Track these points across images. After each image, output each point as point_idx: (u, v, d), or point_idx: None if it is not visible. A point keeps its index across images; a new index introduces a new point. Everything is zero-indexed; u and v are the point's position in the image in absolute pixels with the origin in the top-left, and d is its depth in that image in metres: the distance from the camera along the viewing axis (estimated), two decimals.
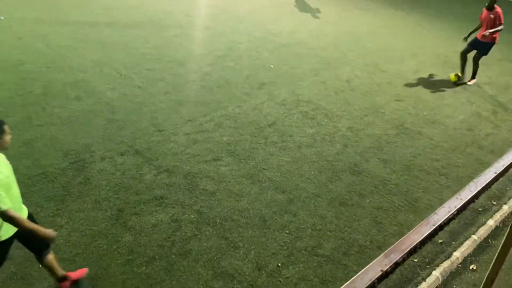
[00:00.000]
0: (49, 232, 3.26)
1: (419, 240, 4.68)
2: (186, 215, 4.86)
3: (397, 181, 5.77)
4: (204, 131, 6.49)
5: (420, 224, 4.93)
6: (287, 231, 4.78)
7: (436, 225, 4.90)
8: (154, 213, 4.83)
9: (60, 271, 3.74)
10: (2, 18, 9.70)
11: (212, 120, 6.77)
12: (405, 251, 4.52)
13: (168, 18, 11.06)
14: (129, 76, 7.84)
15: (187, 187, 5.31)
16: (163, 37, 9.82)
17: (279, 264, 4.36)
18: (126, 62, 8.39)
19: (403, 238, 4.72)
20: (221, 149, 6.09)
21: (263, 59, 9.18)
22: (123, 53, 8.75)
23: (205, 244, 4.51)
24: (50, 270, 3.70)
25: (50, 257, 3.66)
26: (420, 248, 4.74)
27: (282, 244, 4.61)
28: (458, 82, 8.67)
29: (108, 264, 4.12)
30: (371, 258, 4.51)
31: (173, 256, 4.34)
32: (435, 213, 5.09)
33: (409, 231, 4.85)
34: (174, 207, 4.97)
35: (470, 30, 8.60)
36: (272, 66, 8.89)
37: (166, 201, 5.04)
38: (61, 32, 9.43)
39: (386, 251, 4.52)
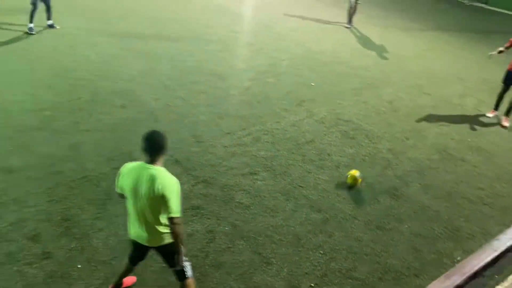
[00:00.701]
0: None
1: (481, 265, 4.61)
2: (221, 227, 4.88)
3: (437, 208, 5.59)
4: (242, 144, 6.54)
5: (481, 248, 4.83)
6: (322, 251, 4.71)
7: (499, 251, 4.81)
8: (190, 223, 4.88)
9: None
10: (58, 27, 10.21)
11: (250, 134, 6.82)
12: (466, 275, 4.43)
13: (212, 33, 11.31)
14: (173, 88, 8.04)
15: (223, 199, 5.35)
16: (206, 51, 10.03)
17: (312, 285, 4.30)
18: (170, 74, 8.62)
19: (463, 261, 4.67)
20: (258, 164, 6.11)
21: (304, 77, 9.21)
22: (168, 65, 9.00)
23: (238, 257, 4.51)
24: None
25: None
26: (480, 273, 4.62)
27: (316, 264, 4.54)
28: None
29: (143, 271, 4.18)
30: (407, 285, 4.37)
31: (206, 267, 4.37)
32: (497, 239, 4.99)
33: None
34: (209, 218, 5.01)
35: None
36: (313, 84, 8.89)
37: (202, 211, 5.09)
38: (110, 42, 9.82)
39: (447, 272, 4.43)
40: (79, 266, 4.18)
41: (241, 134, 6.81)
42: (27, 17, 9.62)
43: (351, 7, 12.53)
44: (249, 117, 7.33)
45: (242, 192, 5.51)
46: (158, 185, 3.23)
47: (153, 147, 3.29)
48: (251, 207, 5.25)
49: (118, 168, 5.64)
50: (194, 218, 4.97)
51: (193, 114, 7.26)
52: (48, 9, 9.96)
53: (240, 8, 14.10)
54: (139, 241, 3.54)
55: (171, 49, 9.87)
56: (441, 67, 10.68)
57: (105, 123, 6.67)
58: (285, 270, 4.42)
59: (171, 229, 3.34)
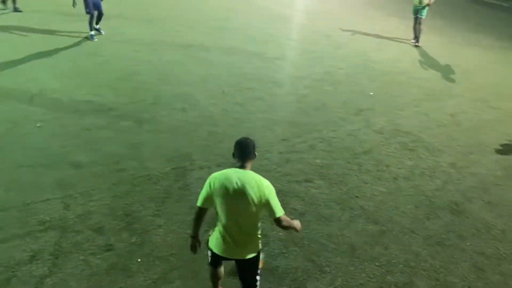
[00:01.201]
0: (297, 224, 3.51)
1: None
2: (274, 232, 4.89)
3: (503, 227, 5.28)
4: (297, 151, 6.54)
5: None
6: (377, 264, 4.59)
7: None
8: None
9: None
10: (103, 33, 10.67)
11: (305, 142, 6.80)
12: None
13: (270, 41, 11.43)
14: (231, 93, 8.20)
15: None
16: (265, 58, 10.15)
17: None
18: (229, 80, 8.80)
19: None
20: (313, 171, 6.08)
21: (362, 86, 9.07)
22: (227, 72, 9.19)
23: (291, 263, 4.50)
24: None
25: None
26: None
27: (372, 276, 4.43)
28: None
29: (200, 268, 4.27)
30: None
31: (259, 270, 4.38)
32: None
33: None
34: (263, 222, 5.02)
35: None
36: (371, 93, 8.74)
37: None
38: (172, 48, 10.20)
39: None
40: (139, 260, 4.34)
41: (296, 141, 6.81)
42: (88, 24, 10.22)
43: (419, 23, 11.89)
44: (305, 125, 7.32)
45: (297, 198, 5.50)
46: (265, 189, 3.23)
47: (246, 152, 3.30)
48: (305, 214, 5.22)
49: (177, 168, 5.90)
50: None
51: (250, 119, 7.36)
52: (100, 16, 10.44)
53: (299, 17, 14.16)
54: (226, 255, 3.44)
55: (230, 56, 10.07)
56: (509, 80, 10.13)
57: (166, 125, 6.92)
58: (339, 279, 4.35)
59: (282, 227, 3.41)
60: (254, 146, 3.38)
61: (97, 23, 10.56)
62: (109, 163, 5.83)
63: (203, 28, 11.95)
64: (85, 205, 5.03)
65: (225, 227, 3.31)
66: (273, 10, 14.35)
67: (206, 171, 5.83)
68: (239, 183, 3.19)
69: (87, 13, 10.05)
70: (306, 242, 4.79)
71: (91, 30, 10.24)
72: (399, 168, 6.28)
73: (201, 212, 3.37)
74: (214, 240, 3.45)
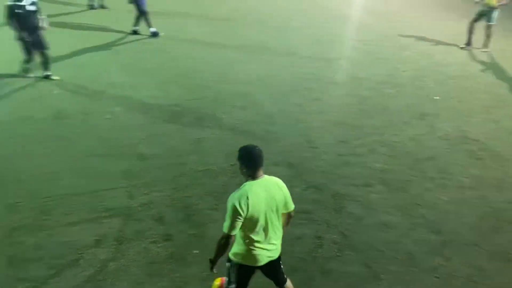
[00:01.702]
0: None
1: None
2: (329, 234, 4.85)
3: None
4: (356, 154, 6.42)
5: None
6: (437, 275, 4.40)
7: None
8: (300, 226, 4.92)
9: None
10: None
11: (365, 145, 6.66)
12: None
13: (331, 41, 11.29)
14: (289, 93, 8.20)
15: (334, 207, 5.30)
16: (326, 59, 10.04)
17: None
18: (288, 79, 8.80)
19: None
20: (372, 175, 5.94)
21: (427, 89, 8.71)
22: (287, 71, 9.19)
23: (347, 267, 4.43)
24: None
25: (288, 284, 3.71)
26: None
27: (430, 287, 4.26)
28: None
29: None
30: None
31: (313, 271, 4.36)
32: None
33: None
34: (319, 224, 5.00)
35: None
36: (437, 97, 8.37)
37: (312, 216, 5.11)
38: (234, 47, 10.35)
39: None
40: (196, 251, 4.47)
41: (356, 143, 6.69)
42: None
43: (487, 27, 11.10)
44: (365, 127, 7.16)
45: (354, 202, 5.40)
46: (282, 188, 3.30)
47: (261, 160, 3.28)
48: (363, 219, 5.12)
49: (235, 164, 5.97)
50: (303, 221, 5.00)
51: (308, 120, 7.32)
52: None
53: (362, 17, 13.86)
54: (264, 262, 3.37)
55: (290, 55, 10.06)
56: None
57: (225, 122, 7.05)
58: None
59: (288, 221, 3.51)
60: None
61: (136, 25, 10.71)
62: (171, 157, 6.05)
63: (264, 28, 12.02)
64: (147, 196, 5.26)
65: (259, 237, 3.24)
66: (335, 10, 14.15)
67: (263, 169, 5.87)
68: (267, 194, 3.18)
69: (142, 12, 10.42)
70: (362, 247, 4.70)
71: (150, 27, 10.57)
72: (465, 177, 5.98)
73: (229, 240, 3.20)
74: (249, 256, 3.31)
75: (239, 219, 3.08)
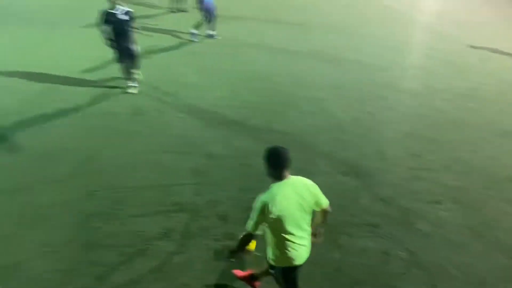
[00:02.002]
0: None
1: None
2: (396, 251, 4.66)
3: None
4: (428, 169, 6.12)
5: None
6: None
7: None
8: (365, 239, 4.80)
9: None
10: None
11: (439, 160, 6.33)
12: None
13: (405, 49, 10.91)
14: (362, 101, 8.02)
15: (401, 222, 5.10)
16: (400, 67, 9.70)
17: None
18: (361, 87, 8.61)
19: None
20: (444, 193, 5.63)
21: None
22: (360, 78, 9.00)
23: (412, 287, 4.24)
24: None
25: None
26: None
27: None
28: None
29: (314, 273, 4.27)
30: None
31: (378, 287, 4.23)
32: None
33: None
34: (385, 239, 4.83)
35: None
36: None
37: (378, 230, 4.95)
38: (307, 53, 10.35)
39: None
40: (257, 254, 4.50)
41: (429, 158, 6.38)
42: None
43: None
44: (440, 141, 6.81)
45: (423, 219, 5.15)
46: (310, 187, 3.31)
47: (288, 161, 3.24)
48: (432, 237, 4.87)
49: (301, 170, 5.95)
50: (369, 235, 4.87)
51: (380, 130, 7.10)
52: (214, 20, 10.96)
53: (443, 26, 13.22)
54: (299, 262, 3.39)
55: (363, 63, 9.85)
56: None
57: (294, 127, 7.05)
58: None
59: (326, 218, 3.49)
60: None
61: (213, 29, 11.07)
62: (238, 157, 6.16)
63: (336, 34, 11.88)
64: (213, 194, 5.40)
65: (292, 237, 3.26)
66: (407, 17, 13.64)
67: (329, 177, 5.81)
68: (296, 195, 3.19)
69: (203, 15, 10.70)
70: (430, 267, 4.47)
71: (195, 29, 10.82)
72: None
73: (251, 237, 3.29)
74: (288, 258, 3.33)
75: (264, 219, 3.14)
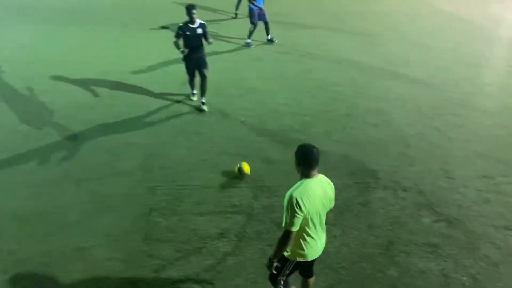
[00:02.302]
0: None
1: None
2: (458, 275, 4.40)
3: None
4: (500, 192, 5.73)
5: None
6: None
7: None
8: (424, 259, 4.57)
9: None
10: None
11: None
12: None
13: (483, 65, 10.29)
14: (430, 116, 7.67)
15: (466, 246, 4.80)
16: (476, 84, 9.17)
17: None
18: (430, 102, 8.24)
19: None
20: None
21: None
22: (430, 92, 8.62)
23: None
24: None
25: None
26: None
27: None
28: None
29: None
30: None
31: None
32: None
33: None
34: (446, 261, 4.58)
35: None
36: None
37: (439, 251, 4.70)
38: (374, 63, 10.09)
39: None
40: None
41: (501, 180, 5.97)
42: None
43: None
44: None
45: (491, 245, 4.82)
46: (333, 188, 3.47)
47: (318, 159, 3.32)
48: (500, 265, 4.54)
49: (360, 183, 5.83)
50: (429, 255, 4.64)
51: (448, 147, 6.76)
52: (267, 26, 11.00)
53: None
54: (313, 258, 3.53)
55: (434, 76, 9.43)
56: None
57: (355, 138, 6.90)
58: None
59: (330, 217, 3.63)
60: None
61: (267, 34, 11.14)
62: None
63: (406, 45, 11.49)
64: (270, 199, 5.41)
65: (313, 233, 3.37)
66: (488, 31, 12.86)
67: (390, 192, 5.61)
68: (323, 192, 3.32)
69: (251, 23, 10.75)
70: None
71: (248, 38, 10.91)
72: None
73: (292, 236, 3.26)
74: (305, 253, 3.43)
75: (300, 215, 3.16)
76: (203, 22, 7.48)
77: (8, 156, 6.14)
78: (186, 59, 7.53)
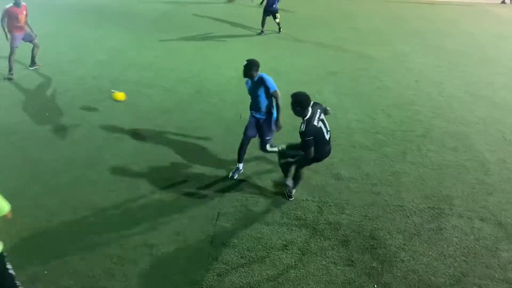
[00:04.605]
0: None
1: None
2: None
3: None
4: None
5: None
6: None
7: None
8: None
9: None
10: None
11: None
12: None
13: None
14: None
15: None
16: None
17: None
18: None
19: None
20: None
21: None
22: None
23: None
24: None
25: None
26: None
27: None
28: None
29: None
30: None
31: None
32: None
33: None
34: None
35: None
36: None
37: None
38: (456, 84, 9.65)
39: None
40: (375, 286, 4.33)
41: None
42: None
43: None
44: None
45: None
46: None
47: None
48: None
49: (433, 208, 5.59)
50: None
51: None
52: None
53: None
54: None
55: None
56: None
57: (431, 161, 6.61)
58: None
59: None
60: None
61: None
62: (366, 183, 6.01)
63: (492, 67, 10.85)
64: (337, 215, 5.34)
65: None
66: None
67: (466, 221, 5.31)
68: None
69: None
70: None
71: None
72: None
73: None
74: None
75: None
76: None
77: (93, 154, 6.60)
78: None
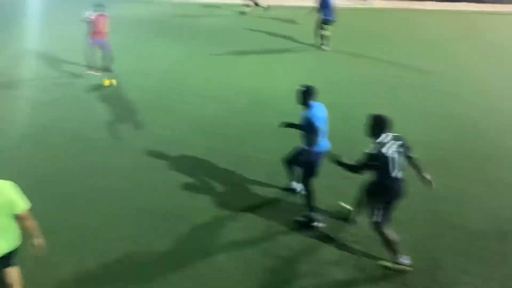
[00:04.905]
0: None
1: None
2: None
3: None
4: None
5: None
6: None
7: None
8: None
9: None
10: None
11: None
12: None
13: None
14: None
15: None
16: None
17: None
18: None
19: None
20: None
21: None
22: None
23: None
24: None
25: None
26: None
27: None
28: None
29: None
30: None
31: None
32: None
33: None
34: None
35: None
36: None
37: None
38: None
39: None
40: None
41: None
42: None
43: None
44: None
45: None
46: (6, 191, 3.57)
47: None
48: None
49: (498, 230, 5.19)
50: None
51: None
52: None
53: None
54: None
55: None
56: None
57: (498, 179, 6.32)
58: None
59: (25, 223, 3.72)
60: None
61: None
62: (426, 201, 5.70)
63: None
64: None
65: None
66: None
67: None
68: None
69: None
70: None
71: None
72: None
73: None
74: None
75: None
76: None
77: (151, 159, 6.82)
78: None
